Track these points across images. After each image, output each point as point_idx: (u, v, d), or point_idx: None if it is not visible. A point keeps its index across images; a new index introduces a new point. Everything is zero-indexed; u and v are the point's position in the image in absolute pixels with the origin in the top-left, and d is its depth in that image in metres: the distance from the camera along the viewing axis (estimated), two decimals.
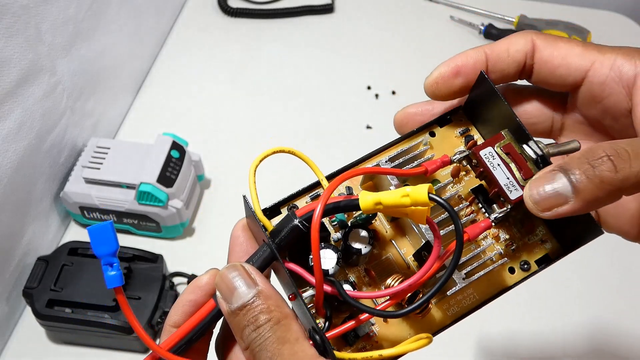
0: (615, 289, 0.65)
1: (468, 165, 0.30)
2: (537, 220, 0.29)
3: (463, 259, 0.28)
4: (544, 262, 0.29)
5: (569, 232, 0.29)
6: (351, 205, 0.26)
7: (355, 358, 0.25)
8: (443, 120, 0.31)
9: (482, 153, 0.27)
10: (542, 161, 0.27)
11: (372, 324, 0.28)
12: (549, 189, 0.24)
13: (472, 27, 0.95)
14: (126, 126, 0.80)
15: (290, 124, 0.81)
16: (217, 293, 0.26)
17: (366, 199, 0.25)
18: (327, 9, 0.97)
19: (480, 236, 0.29)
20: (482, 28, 0.93)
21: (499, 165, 0.27)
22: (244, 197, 0.28)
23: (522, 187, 0.27)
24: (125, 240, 0.66)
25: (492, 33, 0.93)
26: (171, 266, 0.63)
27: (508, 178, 0.27)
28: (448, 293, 0.28)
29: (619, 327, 0.62)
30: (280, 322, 0.25)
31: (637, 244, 0.30)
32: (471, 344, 0.61)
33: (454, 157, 0.29)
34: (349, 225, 0.29)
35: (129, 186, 0.63)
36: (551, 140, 0.32)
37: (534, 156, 0.27)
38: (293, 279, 0.26)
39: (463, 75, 0.29)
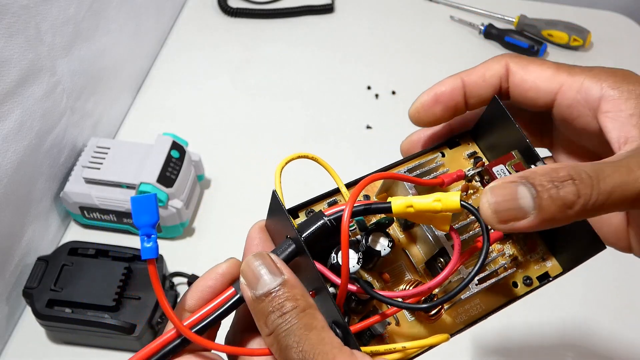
0: (613, 289, 0.65)
1: (478, 183, 0.32)
2: (538, 239, 0.31)
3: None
4: (545, 278, 0.31)
5: (571, 248, 0.30)
6: (382, 207, 0.27)
7: (378, 350, 0.26)
8: (452, 142, 0.33)
9: (494, 169, 0.30)
10: None
11: (388, 323, 0.29)
12: (511, 201, 0.24)
13: (472, 27, 0.95)
14: (126, 126, 0.80)
15: (290, 123, 0.81)
16: (241, 280, 0.26)
17: (399, 202, 0.27)
18: (327, 9, 0.97)
19: (490, 248, 0.30)
20: (482, 28, 0.93)
21: None
22: (274, 191, 0.28)
23: None
24: (125, 240, 0.66)
25: (492, 33, 0.93)
26: (171, 266, 0.63)
27: None
28: (462, 297, 0.29)
29: (611, 325, 0.62)
30: (306, 311, 0.25)
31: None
32: (468, 338, 0.61)
33: (468, 172, 0.31)
34: (369, 228, 0.29)
35: (129, 186, 0.63)
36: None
37: None
38: (319, 273, 0.26)
39: (442, 102, 0.30)
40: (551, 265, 0.31)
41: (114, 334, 0.55)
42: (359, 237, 0.29)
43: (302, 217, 0.30)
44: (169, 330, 0.28)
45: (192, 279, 0.62)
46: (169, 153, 0.64)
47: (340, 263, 0.26)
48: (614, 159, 0.25)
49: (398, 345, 0.26)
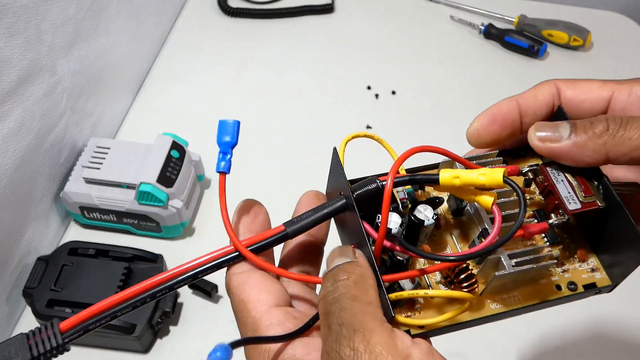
0: None
1: (537, 190, 0.32)
2: (589, 250, 0.32)
3: (516, 251, 0.29)
4: (591, 287, 0.31)
5: (620, 258, 0.30)
6: (430, 178, 0.29)
7: (402, 295, 0.28)
8: (517, 154, 0.34)
9: (548, 169, 0.31)
10: (607, 191, 0.30)
11: (419, 283, 0.29)
12: (552, 128, 0.29)
13: (472, 27, 0.95)
14: (126, 126, 0.80)
15: (290, 123, 0.81)
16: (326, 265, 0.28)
17: (447, 173, 0.28)
18: (327, 9, 0.97)
19: (536, 242, 0.32)
20: (482, 28, 0.93)
21: (562, 181, 0.30)
22: (334, 149, 0.30)
23: (582, 203, 0.30)
24: (125, 240, 0.66)
25: (492, 33, 0.93)
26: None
27: (569, 192, 0.30)
28: (497, 275, 0.28)
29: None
30: (358, 283, 0.26)
31: None
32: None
33: (523, 169, 0.32)
34: (418, 202, 0.31)
35: (129, 186, 0.63)
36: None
37: (597, 183, 0.30)
38: (363, 228, 0.28)
39: (499, 121, 0.32)
40: (600, 277, 0.31)
41: (114, 334, 0.55)
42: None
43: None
44: (226, 247, 0.31)
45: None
46: (169, 153, 0.64)
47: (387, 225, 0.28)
48: None
49: (421, 292, 0.28)
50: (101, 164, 0.65)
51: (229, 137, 0.30)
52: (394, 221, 0.29)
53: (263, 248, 0.30)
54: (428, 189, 0.33)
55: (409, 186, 0.31)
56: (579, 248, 0.32)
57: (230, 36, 0.93)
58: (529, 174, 0.32)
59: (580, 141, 0.28)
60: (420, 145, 0.29)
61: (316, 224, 0.30)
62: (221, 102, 0.83)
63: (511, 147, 0.34)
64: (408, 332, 0.28)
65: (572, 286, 0.31)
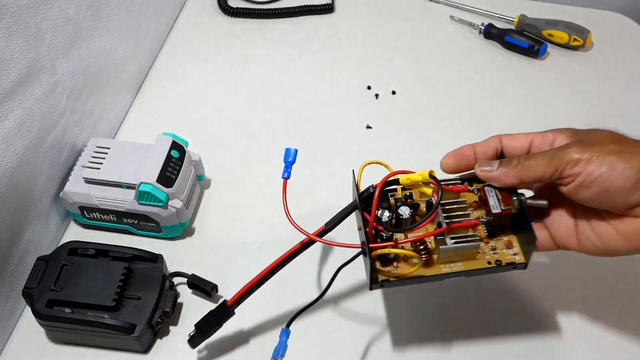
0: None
1: (480, 201, 0.50)
2: (515, 241, 0.49)
3: (457, 235, 0.47)
4: (512, 264, 0.48)
5: (528, 247, 0.47)
6: (395, 180, 0.48)
7: (377, 252, 0.45)
8: (479, 180, 0.49)
9: (486, 188, 0.49)
10: (519, 203, 0.47)
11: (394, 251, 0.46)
12: (489, 164, 0.48)
13: (472, 26, 0.95)
14: (126, 126, 0.80)
15: (290, 123, 0.81)
16: None
17: (403, 177, 0.47)
18: (327, 9, 0.97)
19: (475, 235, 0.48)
20: (482, 28, 0.93)
21: (492, 195, 0.48)
22: (352, 170, 0.50)
23: (501, 209, 0.47)
24: (125, 240, 0.66)
25: (492, 33, 0.93)
26: (171, 266, 0.63)
27: (495, 202, 0.48)
28: (441, 248, 0.45)
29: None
30: None
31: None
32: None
33: (470, 188, 0.49)
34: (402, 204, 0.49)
35: (129, 186, 0.63)
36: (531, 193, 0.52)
37: (514, 197, 0.48)
38: (363, 218, 0.47)
39: (459, 156, 0.49)
40: (519, 259, 0.48)
41: (114, 334, 0.55)
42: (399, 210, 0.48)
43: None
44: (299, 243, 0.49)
45: (192, 279, 0.62)
46: (169, 153, 0.64)
47: (379, 215, 0.47)
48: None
49: (386, 250, 0.45)
50: (101, 164, 0.65)
51: (291, 158, 0.48)
52: (383, 214, 0.47)
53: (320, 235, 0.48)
54: (414, 196, 0.50)
55: (400, 194, 0.49)
56: (507, 237, 0.49)
57: (230, 36, 0.93)
58: (475, 191, 0.49)
59: (504, 171, 0.46)
60: (403, 169, 0.47)
61: (344, 219, 0.48)
62: (221, 102, 0.83)
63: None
64: (387, 280, 0.46)
65: (498, 262, 0.47)
